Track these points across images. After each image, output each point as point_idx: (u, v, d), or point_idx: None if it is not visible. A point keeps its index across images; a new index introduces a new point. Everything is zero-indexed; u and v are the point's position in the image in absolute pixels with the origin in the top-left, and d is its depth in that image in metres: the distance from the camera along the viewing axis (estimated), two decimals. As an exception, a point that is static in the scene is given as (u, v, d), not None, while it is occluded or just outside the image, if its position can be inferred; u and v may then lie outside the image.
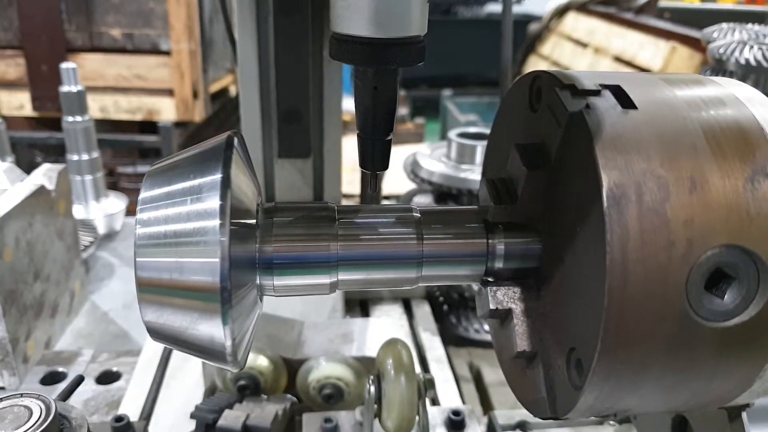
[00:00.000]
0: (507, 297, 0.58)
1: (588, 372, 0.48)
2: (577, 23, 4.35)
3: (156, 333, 0.54)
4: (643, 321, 0.46)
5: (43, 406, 0.66)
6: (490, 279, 0.60)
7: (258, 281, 0.57)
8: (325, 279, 0.58)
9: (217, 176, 0.51)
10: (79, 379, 0.82)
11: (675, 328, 0.47)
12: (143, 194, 0.53)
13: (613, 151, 0.48)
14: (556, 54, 4.33)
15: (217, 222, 0.49)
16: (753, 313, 0.47)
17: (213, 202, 0.50)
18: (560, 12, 4.58)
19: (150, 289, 0.52)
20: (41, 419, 0.64)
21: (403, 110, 5.03)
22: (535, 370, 0.57)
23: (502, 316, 0.59)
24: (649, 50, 3.38)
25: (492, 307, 0.58)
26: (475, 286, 0.62)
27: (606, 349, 0.47)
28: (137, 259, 0.51)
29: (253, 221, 0.56)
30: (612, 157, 0.47)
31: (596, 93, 0.51)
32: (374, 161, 0.62)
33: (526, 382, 0.59)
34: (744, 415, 0.58)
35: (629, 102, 0.51)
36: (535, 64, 4.56)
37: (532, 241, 0.59)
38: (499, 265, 0.59)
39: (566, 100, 0.51)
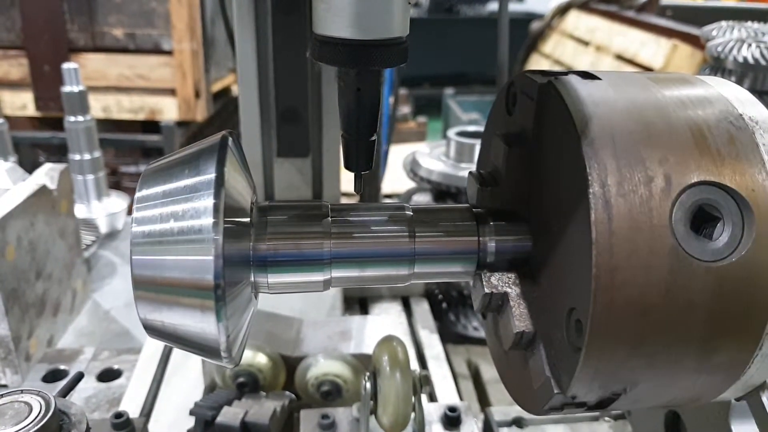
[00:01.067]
0: (501, 282, 0.59)
1: (586, 323, 0.48)
2: (578, 21, 4.34)
3: (152, 330, 0.55)
4: (634, 255, 0.47)
5: (42, 403, 0.67)
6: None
7: (252, 279, 0.57)
8: (318, 276, 0.59)
9: (211, 175, 0.52)
10: (79, 376, 0.83)
11: (667, 264, 0.48)
12: (139, 193, 0.54)
13: (584, 105, 0.51)
14: (558, 52, 4.33)
15: (210, 220, 0.50)
16: (743, 252, 0.49)
17: (207, 201, 0.51)
18: (562, 10, 4.57)
19: (146, 287, 0.53)
20: (41, 415, 0.65)
21: (405, 109, 5.03)
22: (535, 354, 0.57)
23: (498, 303, 0.59)
24: (651, 48, 3.38)
25: (486, 291, 0.58)
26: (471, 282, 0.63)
27: (601, 288, 0.47)
28: (133, 257, 0.52)
29: (248, 219, 0.57)
30: (584, 110, 0.51)
31: (564, 73, 0.55)
32: (358, 162, 0.63)
33: (525, 375, 0.59)
34: (733, 403, 0.59)
35: (595, 77, 0.55)
36: (536, 63, 4.56)
37: (522, 230, 0.60)
38: (491, 260, 0.60)
39: (536, 78, 0.56)
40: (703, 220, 0.49)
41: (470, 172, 0.66)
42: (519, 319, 0.57)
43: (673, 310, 0.48)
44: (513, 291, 0.58)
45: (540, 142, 0.58)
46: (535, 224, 0.59)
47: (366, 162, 0.63)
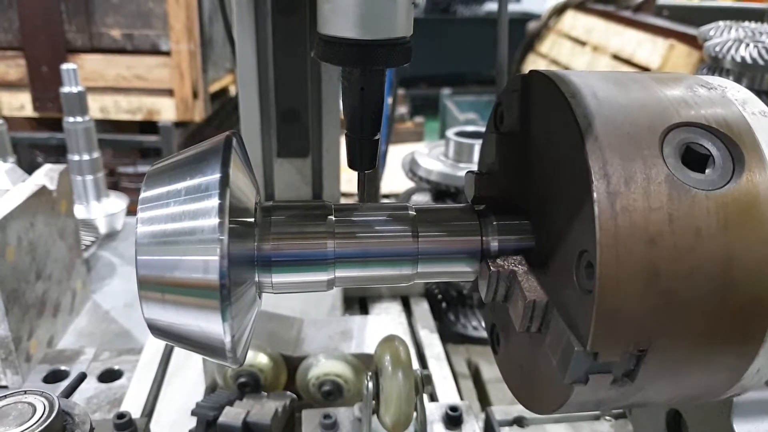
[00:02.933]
0: (508, 262, 0.59)
1: (595, 256, 0.48)
2: (575, 21, 4.35)
3: (157, 330, 0.55)
4: (631, 182, 0.49)
5: (46, 403, 0.67)
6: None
7: (257, 279, 0.58)
8: (322, 276, 0.59)
9: (216, 176, 0.52)
10: (82, 377, 0.83)
11: (666, 191, 0.49)
12: (144, 194, 0.54)
13: (568, 80, 0.55)
14: (555, 52, 4.34)
15: (216, 221, 0.51)
16: (739, 181, 0.50)
17: (212, 201, 0.51)
18: (559, 10, 4.58)
19: (151, 287, 0.53)
20: (45, 416, 0.65)
21: (402, 109, 5.03)
22: (551, 327, 0.55)
23: (507, 286, 0.58)
24: (647, 48, 3.39)
25: (493, 269, 0.57)
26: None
27: (603, 214, 0.47)
28: (138, 258, 0.52)
29: (252, 219, 0.57)
30: (567, 81, 0.55)
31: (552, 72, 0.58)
32: (362, 160, 0.63)
33: (538, 366, 0.59)
34: (735, 402, 0.59)
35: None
36: (533, 63, 4.57)
37: (524, 227, 0.60)
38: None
39: (522, 76, 0.61)
40: (693, 162, 0.51)
41: (468, 172, 0.67)
42: (529, 290, 0.56)
43: (682, 239, 0.48)
44: (520, 269, 0.58)
45: (529, 125, 0.61)
46: (533, 204, 0.61)
47: (369, 160, 0.63)
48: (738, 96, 0.56)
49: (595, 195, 0.48)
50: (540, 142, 0.59)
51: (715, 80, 0.59)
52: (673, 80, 0.57)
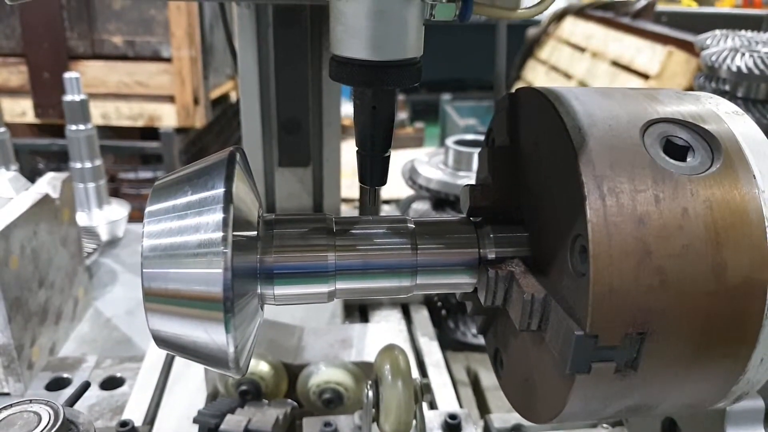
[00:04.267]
0: (505, 264, 0.60)
1: (587, 236, 0.49)
2: (574, 28, 4.37)
3: (162, 341, 0.56)
4: (616, 166, 0.51)
5: (51, 412, 0.68)
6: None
7: (259, 290, 0.59)
8: (323, 288, 0.60)
9: (220, 191, 0.54)
10: (86, 385, 0.84)
11: (650, 174, 0.51)
12: (149, 207, 0.55)
13: (552, 89, 0.58)
14: (554, 58, 4.36)
15: (220, 234, 0.52)
16: (719, 166, 0.53)
17: (216, 215, 0.52)
18: (558, 17, 4.61)
19: (156, 299, 0.54)
20: (50, 425, 0.66)
21: (402, 115, 5.05)
22: (551, 320, 0.55)
23: (506, 287, 0.59)
24: (646, 54, 3.41)
25: (491, 272, 0.59)
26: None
27: (591, 194, 0.50)
28: (144, 270, 0.53)
29: (255, 233, 0.58)
30: (552, 90, 0.58)
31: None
32: (372, 177, 0.64)
33: (537, 370, 0.60)
34: (728, 410, 0.60)
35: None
36: (533, 69, 4.59)
37: (521, 239, 0.62)
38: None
39: (508, 94, 0.65)
40: (674, 153, 0.54)
41: (464, 186, 0.69)
42: (527, 287, 0.57)
43: (670, 218, 0.50)
44: (518, 269, 0.60)
45: (519, 138, 0.65)
46: (527, 209, 0.63)
47: (380, 177, 0.65)
48: (711, 100, 0.60)
49: (582, 178, 0.50)
50: (529, 148, 0.62)
51: (693, 93, 0.63)
52: (651, 89, 0.62)
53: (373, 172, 0.64)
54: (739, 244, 0.51)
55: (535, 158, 0.61)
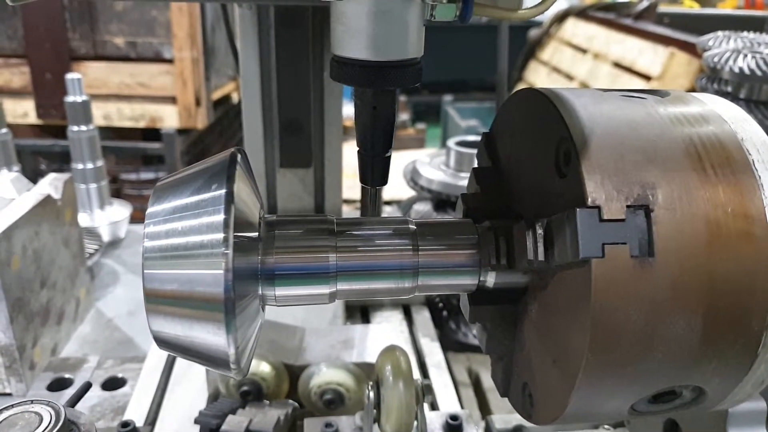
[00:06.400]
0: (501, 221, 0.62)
1: (569, 131, 0.53)
2: (576, 29, 4.37)
3: (163, 342, 0.56)
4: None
5: (52, 413, 0.68)
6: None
7: (260, 291, 0.59)
8: (324, 289, 0.60)
9: (222, 192, 0.54)
10: (87, 386, 0.84)
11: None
12: (151, 209, 0.55)
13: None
14: (556, 60, 4.36)
15: (221, 235, 0.52)
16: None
17: (217, 217, 0.52)
18: (560, 18, 4.61)
19: (157, 300, 0.54)
20: (51, 425, 0.66)
21: (404, 116, 5.05)
22: (553, 226, 0.55)
23: (506, 239, 0.60)
24: (648, 56, 3.40)
25: (490, 228, 0.61)
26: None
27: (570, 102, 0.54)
28: (145, 271, 0.53)
29: (256, 234, 0.58)
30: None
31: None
32: (374, 177, 0.64)
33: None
34: (730, 411, 0.60)
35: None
36: (535, 70, 4.59)
37: None
38: (491, 275, 0.61)
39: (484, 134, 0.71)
40: None
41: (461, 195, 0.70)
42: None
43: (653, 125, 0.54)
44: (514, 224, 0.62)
45: (511, 161, 0.66)
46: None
47: (381, 177, 0.65)
48: (713, 101, 0.60)
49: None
50: (513, 145, 0.65)
51: (695, 94, 0.63)
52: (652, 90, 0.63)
53: (374, 172, 0.64)
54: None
55: (518, 148, 0.64)
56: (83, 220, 1.82)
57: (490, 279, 0.61)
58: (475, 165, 0.73)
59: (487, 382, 1.33)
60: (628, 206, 0.49)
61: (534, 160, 0.60)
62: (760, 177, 0.52)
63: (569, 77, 4.05)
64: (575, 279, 0.51)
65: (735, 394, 0.56)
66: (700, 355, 0.51)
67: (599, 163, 0.50)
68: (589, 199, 0.49)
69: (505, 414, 1.05)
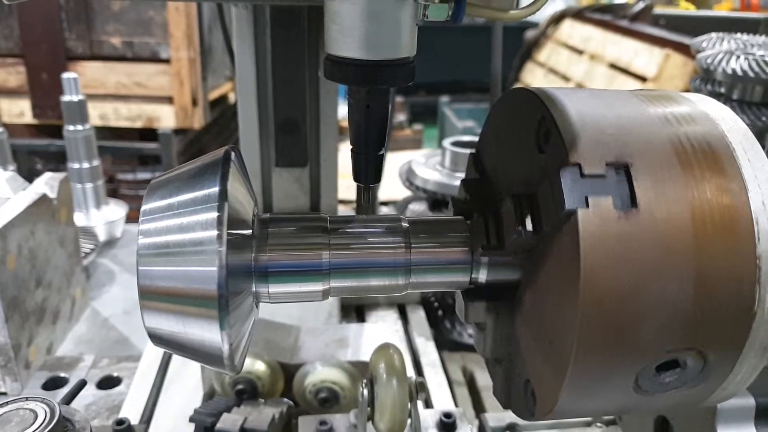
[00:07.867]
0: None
1: (549, 113, 0.55)
2: (573, 30, 4.38)
3: (157, 338, 0.57)
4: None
5: (47, 410, 0.68)
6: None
7: (254, 289, 0.59)
8: (317, 286, 0.60)
9: (215, 189, 0.54)
10: (82, 384, 0.84)
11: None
12: (145, 206, 0.56)
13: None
14: (552, 61, 4.37)
15: (214, 233, 0.52)
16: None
17: (211, 214, 0.53)
18: (556, 19, 4.62)
19: (151, 297, 0.54)
20: (46, 422, 0.67)
21: (401, 116, 5.06)
22: (540, 193, 0.58)
23: (494, 216, 0.62)
24: (644, 57, 3.42)
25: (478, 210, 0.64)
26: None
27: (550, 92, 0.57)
28: (139, 268, 0.54)
29: (249, 231, 0.59)
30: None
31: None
32: (367, 175, 0.65)
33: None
34: (719, 408, 0.61)
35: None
36: (531, 71, 4.60)
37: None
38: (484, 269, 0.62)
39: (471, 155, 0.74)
40: None
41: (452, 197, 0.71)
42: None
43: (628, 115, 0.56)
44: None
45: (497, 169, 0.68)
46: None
47: (374, 175, 0.65)
48: (703, 101, 0.61)
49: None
50: (499, 150, 0.67)
51: (686, 94, 0.65)
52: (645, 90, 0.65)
53: (367, 170, 0.65)
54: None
55: (502, 143, 0.66)
56: (79, 219, 1.82)
57: (482, 275, 0.62)
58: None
59: (482, 380, 1.33)
60: (608, 163, 0.51)
61: (518, 154, 0.61)
62: (734, 149, 0.54)
63: (566, 78, 4.06)
64: (564, 244, 0.52)
65: (740, 364, 0.54)
66: (695, 317, 0.51)
67: (579, 134, 0.53)
68: (570, 159, 0.51)
69: (498, 412, 1.06)
